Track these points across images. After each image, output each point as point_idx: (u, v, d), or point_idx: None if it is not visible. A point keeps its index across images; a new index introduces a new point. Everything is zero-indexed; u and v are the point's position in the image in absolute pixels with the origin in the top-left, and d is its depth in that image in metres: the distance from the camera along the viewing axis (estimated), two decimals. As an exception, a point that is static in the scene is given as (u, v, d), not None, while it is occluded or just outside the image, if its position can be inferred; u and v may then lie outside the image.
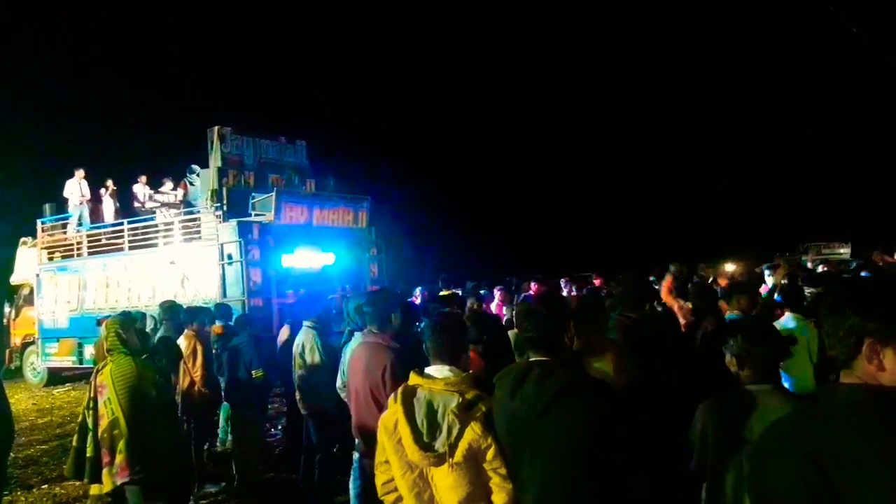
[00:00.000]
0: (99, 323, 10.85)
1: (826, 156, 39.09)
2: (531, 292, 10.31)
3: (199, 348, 7.27)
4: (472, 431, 2.68)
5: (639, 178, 43.83)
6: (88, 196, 15.89)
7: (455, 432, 2.70)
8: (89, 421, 4.68)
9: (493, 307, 9.79)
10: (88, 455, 4.70)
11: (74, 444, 4.79)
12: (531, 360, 2.74)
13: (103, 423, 4.56)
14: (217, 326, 7.99)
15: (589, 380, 2.86)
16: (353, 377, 4.47)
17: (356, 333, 5.56)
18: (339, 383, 5.74)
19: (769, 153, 42.89)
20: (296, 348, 6.60)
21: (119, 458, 4.51)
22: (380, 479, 3.03)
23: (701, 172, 42.00)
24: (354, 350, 4.72)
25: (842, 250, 24.29)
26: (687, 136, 44.17)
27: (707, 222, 38.41)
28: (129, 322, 4.92)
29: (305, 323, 6.76)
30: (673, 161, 43.54)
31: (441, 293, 8.62)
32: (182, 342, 7.25)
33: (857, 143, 38.17)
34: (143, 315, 9.73)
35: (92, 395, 4.69)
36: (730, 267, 12.64)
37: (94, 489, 4.78)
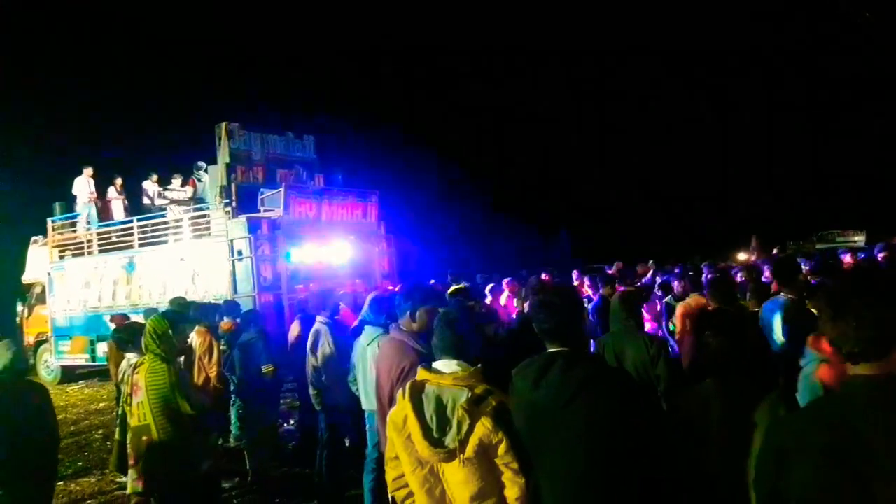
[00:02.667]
0: (111, 320, 10.96)
1: (840, 143, 38.80)
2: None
3: (215, 345, 7.28)
4: (483, 426, 2.66)
5: (649, 167, 43.66)
6: (97, 194, 15.95)
7: (465, 427, 2.68)
8: (128, 416, 4.61)
9: (503, 300, 9.76)
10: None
11: (117, 437, 4.76)
12: (552, 351, 2.71)
13: (133, 422, 4.52)
14: (225, 323, 8.00)
15: (613, 371, 2.84)
16: (378, 373, 4.39)
17: (367, 327, 5.55)
18: (350, 377, 5.75)
19: (781, 140, 42.57)
20: (308, 344, 6.61)
21: (140, 466, 4.50)
22: (390, 476, 3.02)
23: (712, 162, 41.80)
24: (381, 345, 4.64)
25: (856, 238, 24.05)
26: (697, 123, 43.93)
27: (717, 212, 38.23)
28: (171, 322, 4.73)
29: (318, 318, 6.75)
30: (682, 150, 43.32)
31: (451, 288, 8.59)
32: (195, 339, 7.26)
33: (870, 129, 37.82)
34: (155, 311, 9.83)
35: (129, 391, 4.62)
36: (742, 256, 12.57)
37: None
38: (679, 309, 6.46)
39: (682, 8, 43.34)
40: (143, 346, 4.62)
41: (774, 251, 14.26)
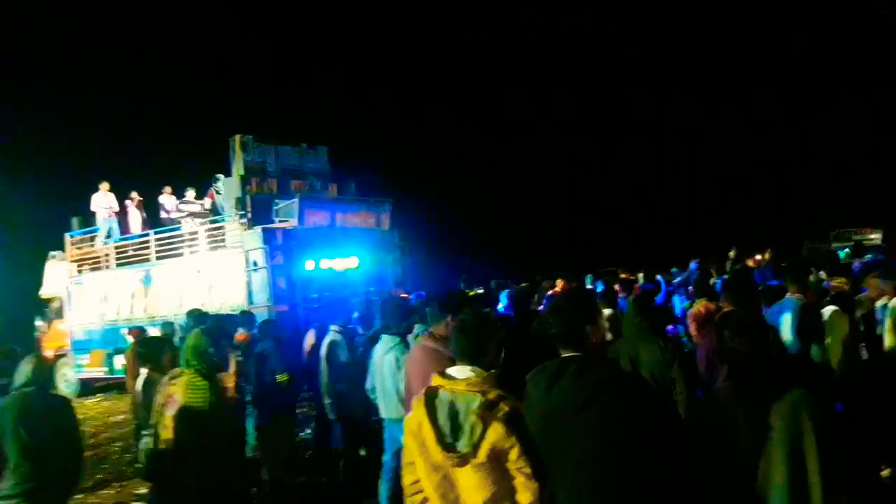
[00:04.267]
0: (129, 333, 11.03)
1: (857, 141, 38.50)
2: (557, 290, 10.24)
3: (233, 357, 7.31)
4: (495, 431, 2.66)
5: (662, 167, 43.49)
6: (116, 208, 16.09)
7: (478, 432, 2.68)
8: (160, 427, 4.60)
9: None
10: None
11: (150, 446, 4.74)
12: (565, 356, 2.72)
13: (165, 434, 4.52)
14: (241, 334, 8.03)
15: (627, 375, 2.83)
16: (410, 380, 4.38)
17: (384, 336, 5.58)
18: (368, 385, 5.76)
19: (795, 139, 42.25)
20: (323, 353, 6.63)
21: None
22: (406, 480, 3.03)
23: (725, 161, 41.58)
24: (412, 354, 4.65)
25: (873, 236, 23.81)
26: (711, 121, 43.70)
27: (732, 211, 38.00)
28: (212, 338, 4.80)
29: (332, 327, 6.78)
30: (696, 148, 43.13)
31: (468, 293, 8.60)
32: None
33: (887, 125, 37.47)
34: (172, 324, 9.89)
35: (162, 401, 4.62)
36: (758, 256, 12.48)
37: None
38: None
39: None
40: (183, 361, 4.64)
41: (759, 257, 14.08)
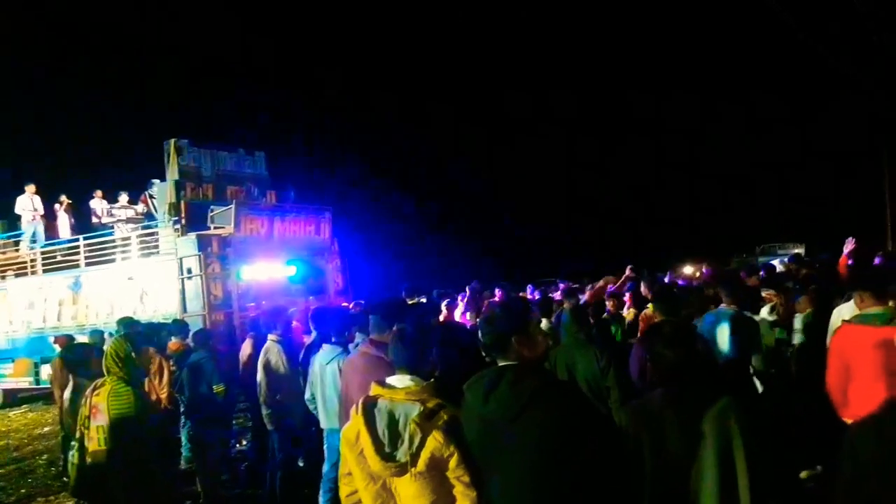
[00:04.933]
0: (56, 341, 10.70)
1: (781, 159, 39.89)
2: (496, 299, 10.32)
3: (166, 365, 7.16)
4: (435, 440, 2.67)
5: (595, 181, 44.28)
6: (42, 211, 15.62)
7: (417, 441, 2.68)
8: (85, 439, 4.41)
9: (458, 315, 9.80)
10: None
11: (75, 461, 4.54)
12: (502, 364, 2.73)
13: (91, 446, 4.36)
14: (174, 343, 7.88)
15: (562, 384, 2.86)
16: (350, 390, 4.33)
17: (325, 345, 5.54)
18: (307, 395, 5.72)
19: (728, 157, 43.61)
20: (260, 362, 6.54)
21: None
22: (344, 492, 3.01)
23: (658, 175, 42.58)
24: (352, 361, 4.61)
25: (796, 250, 24.82)
26: (646, 136, 44.72)
27: (664, 225, 38.92)
28: (133, 345, 4.58)
29: (270, 336, 6.70)
30: (631, 163, 44.07)
31: (408, 302, 8.60)
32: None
33: (809, 146, 38.99)
34: (101, 332, 9.63)
35: (87, 412, 4.43)
36: (688, 269, 12.82)
37: None
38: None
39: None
40: (104, 368, 4.50)
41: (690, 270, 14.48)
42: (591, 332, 5.47)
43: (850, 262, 7.42)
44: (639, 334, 6.58)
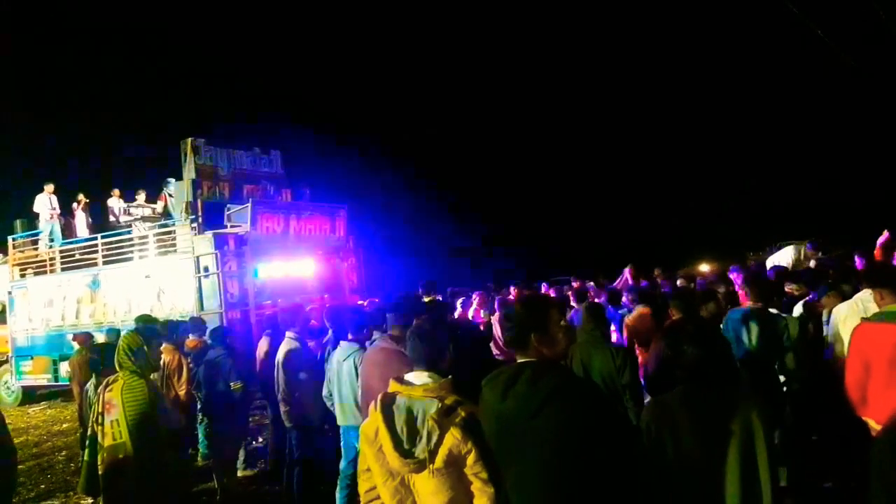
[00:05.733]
0: (74, 339, 10.79)
1: (796, 156, 39.55)
2: (511, 297, 10.33)
3: (184, 363, 7.21)
4: (452, 437, 2.67)
5: (607, 177, 44.04)
6: (59, 210, 15.74)
7: (435, 438, 2.69)
8: (99, 436, 4.45)
9: (471, 313, 9.82)
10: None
11: (86, 458, 4.57)
12: (521, 361, 2.74)
13: (106, 441, 4.39)
14: (191, 340, 7.93)
15: (581, 381, 2.86)
16: (371, 384, 4.35)
17: (343, 343, 5.57)
18: (325, 392, 5.75)
19: (739, 153, 43.27)
20: (278, 360, 6.58)
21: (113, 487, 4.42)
22: (362, 488, 3.02)
23: (673, 173, 42.33)
24: (370, 356, 4.63)
25: (801, 246, 24.56)
26: (658, 135, 44.50)
27: (677, 222, 38.67)
28: (145, 338, 4.65)
29: (288, 334, 6.73)
30: (642, 162, 43.85)
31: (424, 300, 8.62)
32: (164, 357, 7.19)
33: (826, 142, 38.62)
34: (118, 331, 9.69)
35: (100, 409, 4.47)
36: (704, 268, 12.75)
37: None
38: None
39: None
40: (116, 363, 4.54)
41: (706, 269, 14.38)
42: (607, 330, 5.44)
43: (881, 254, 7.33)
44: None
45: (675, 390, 2.94)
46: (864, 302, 5.06)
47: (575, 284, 11.63)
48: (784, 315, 5.70)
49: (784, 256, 11.50)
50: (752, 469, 2.72)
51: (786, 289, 6.81)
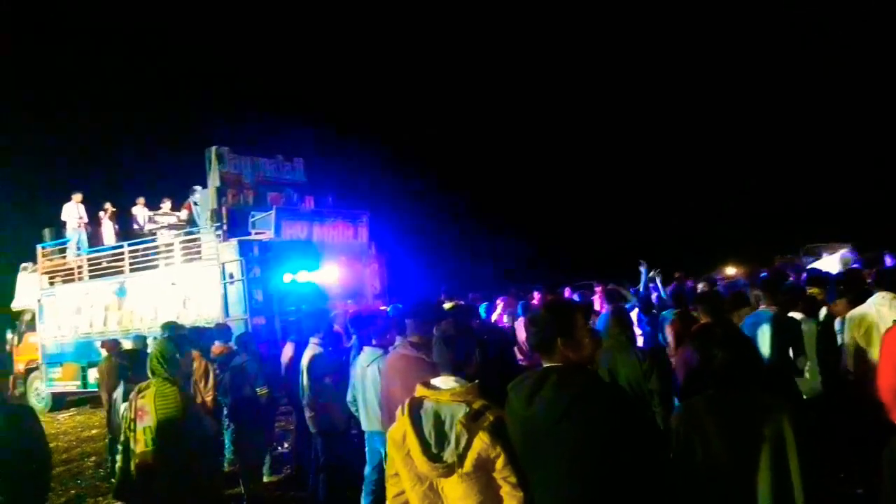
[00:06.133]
0: (102, 346, 10.90)
1: (829, 154, 39.00)
2: (535, 302, 10.30)
3: (210, 369, 7.26)
4: (481, 441, 2.67)
5: (634, 179, 43.71)
6: (86, 219, 15.91)
7: (463, 442, 2.69)
8: (131, 442, 4.48)
9: (495, 317, 9.80)
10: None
11: (120, 464, 4.60)
12: (546, 366, 2.73)
13: (139, 448, 4.42)
14: (217, 346, 7.98)
15: (607, 386, 2.84)
16: (393, 391, 4.36)
17: (366, 348, 5.57)
18: (349, 397, 5.75)
19: (768, 150, 42.78)
20: (303, 365, 6.60)
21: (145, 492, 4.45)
22: (391, 492, 3.02)
23: (697, 172, 41.93)
24: (392, 363, 4.64)
25: (843, 250, 24.11)
26: (679, 134, 44.12)
27: (705, 223, 38.29)
28: (177, 346, 4.70)
29: (312, 339, 6.76)
30: (666, 162, 43.48)
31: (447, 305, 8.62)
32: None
33: (861, 139, 38.04)
34: (145, 338, 9.79)
35: (132, 416, 4.51)
36: (730, 270, 12.62)
37: None
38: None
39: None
40: (149, 370, 4.57)
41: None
42: (633, 334, 5.40)
43: None
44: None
45: (703, 394, 2.91)
46: (879, 306, 4.98)
47: (598, 288, 11.57)
48: (801, 319, 5.63)
49: (831, 263, 11.33)
50: (783, 476, 2.69)
51: (808, 293, 6.72)
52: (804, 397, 5.31)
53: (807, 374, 5.44)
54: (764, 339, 5.19)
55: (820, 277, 7.33)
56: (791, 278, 7.72)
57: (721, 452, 2.74)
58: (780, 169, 41.00)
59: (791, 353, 5.27)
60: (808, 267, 10.52)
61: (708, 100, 44.60)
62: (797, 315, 5.64)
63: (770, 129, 42.44)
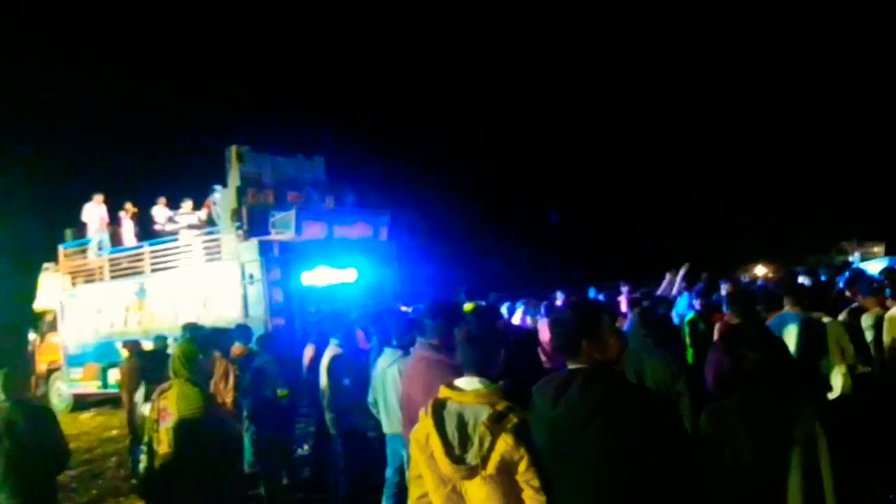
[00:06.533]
0: (124, 346, 10.92)
1: (861, 153, 38.50)
2: (558, 303, 10.17)
3: (231, 370, 7.22)
4: (504, 443, 2.64)
5: (660, 177, 43.39)
6: (108, 220, 15.98)
7: (486, 444, 2.65)
8: (154, 442, 4.49)
9: (517, 318, 9.69)
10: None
11: (143, 465, 4.62)
12: (571, 368, 2.67)
13: (161, 449, 4.42)
14: (237, 347, 7.94)
15: (635, 387, 2.79)
16: (413, 393, 4.32)
17: (387, 349, 5.50)
18: (370, 399, 5.69)
19: (801, 150, 42.23)
20: (323, 367, 6.54)
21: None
22: (414, 494, 3.00)
23: (726, 169, 41.55)
24: (412, 364, 4.59)
25: (875, 249, 23.78)
26: (712, 130, 43.70)
27: (734, 222, 37.95)
28: (200, 346, 4.68)
29: (333, 340, 6.70)
30: (695, 158, 43.10)
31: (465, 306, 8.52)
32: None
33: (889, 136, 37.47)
34: (165, 338, 9.78)
35: (155, 416, 4.51)
36: (760, 269, 12.43)
37: None
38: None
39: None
40: (171, 371, 4.55)
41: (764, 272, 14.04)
42: (659, 335, 5.31)
43: None
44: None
45: (733, 396, 2.85)
46: None
47: (624, 289, 11.41)
48: (826, 321, 5.52)
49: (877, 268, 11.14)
50: (814, 480, 2.63)
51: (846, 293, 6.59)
52: (832, 399, 5.20)
53: (835, 376, 5.32)
54: (790, 341, 5.10)
55: (861, 276, 7.20)
56: (822, 278, 7.56)
57: (751, 455, 2.69)
58: (812, 167, 40.46)
59: (817, 355, 5.19)
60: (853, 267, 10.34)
61: (739, 97, 44.26)
62: (824, 317, 5.53)
63: (801, 126, 41.96)
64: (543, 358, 7.63)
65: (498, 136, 45.00)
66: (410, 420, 4.20)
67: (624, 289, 11.41)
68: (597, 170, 43.21)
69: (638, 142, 45.04)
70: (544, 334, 7.67)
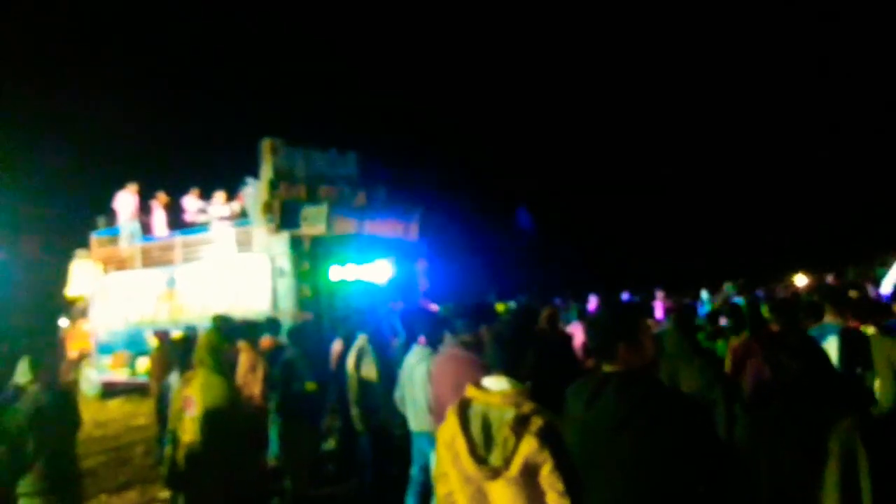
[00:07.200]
0: (156, 335, 10.99)
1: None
2: (591, 307, 10.06)
3: (259, 361, 7.21)
4: (528, 445, 2.60)
5: (704, 185, 42.87)
6: (140, 208, 16.08)
7: (510, 446, 2.63)
8: (179, 431, 4.53)
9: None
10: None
11: (168, 452, 4.66)
12: (606, 371, 2.64)
13: (186, 437, 4.45)
14: (266, 340, 7.92)
15: (670, 392, 2.73)
16: (442, 392, 4.27)
17: (416, 346, 5.46)
18: (397, 395, 5.65)
19: (845, 160, 41.46)
20: (350, 362, 6.50)
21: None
22: (440, 492, 2.99)
23: (768, 177, 40.92)
24: (441, 363, 4.55)
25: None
26: (758, 138, 43.09)
27: (774, 232, 37.37)
28: (225, 336, 4.74)
29: (361, 336, 6.66)
30: (738, 166, 42.52)
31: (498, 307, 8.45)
32: (241, 355, 7.19)
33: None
34: (194, 328, 9.81)
35: (180, 405, 4.55)
36: (800, 281, 12.18)
37: None
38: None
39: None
40: (196, 360, 4.55)
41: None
42: (696, 341, 5.20)
43: None
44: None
45: (772, 406, 2.82)
46: None
47: (659, 294, 11.27)
48: (871, 332, 5.35)
49: None
50: (853, 494, 2.57)
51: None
52: (876, 413, 5.05)
53: (882, 390, 5.16)
54: (830, 353, 4.95)
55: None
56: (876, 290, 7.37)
57: (788, 467, 2.65)
58: (856, 177, 39.71)
59: (860, 369, 5.04)
60: None
61: (778, 107, 43.62)
62: (869, 329, 5.37)
63: (844, 136, 41.23)
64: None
65: (536, 138, 44.85)
66: (439, 417, 4.19)
67: (658, 294, 11.26)
68: (636, 175, 42.89)
69: (682, 149, 44.59)
70: (577, 337, 7.56)
